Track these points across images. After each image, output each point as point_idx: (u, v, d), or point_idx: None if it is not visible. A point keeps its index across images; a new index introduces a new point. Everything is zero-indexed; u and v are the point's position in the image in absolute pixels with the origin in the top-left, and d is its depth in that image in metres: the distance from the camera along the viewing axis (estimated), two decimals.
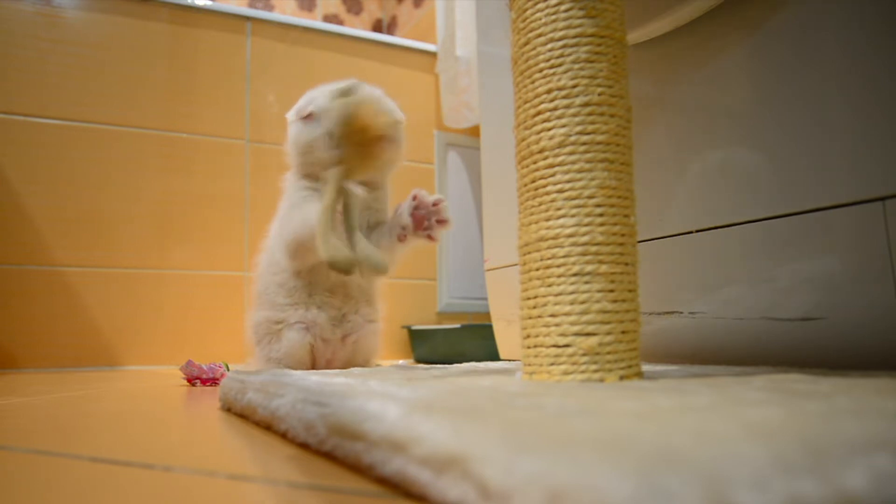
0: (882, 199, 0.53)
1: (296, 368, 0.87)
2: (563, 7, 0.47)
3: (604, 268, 0.45)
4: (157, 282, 1.54)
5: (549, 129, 0.47)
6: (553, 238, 0.46)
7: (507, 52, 0.55)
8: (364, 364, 0.93)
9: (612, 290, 0.45)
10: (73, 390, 0.84)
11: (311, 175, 0.88)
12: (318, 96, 0.86)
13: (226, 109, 1.65)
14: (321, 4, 2.62)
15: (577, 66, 0.46)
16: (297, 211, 0.85)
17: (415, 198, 0.82)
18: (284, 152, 0.93)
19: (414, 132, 1.87)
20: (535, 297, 0.47)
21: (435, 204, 0.82)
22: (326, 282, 0.89)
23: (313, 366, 0.90)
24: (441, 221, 0.82)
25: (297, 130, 0.88)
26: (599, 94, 0.46)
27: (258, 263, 0.96)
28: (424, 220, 0.82)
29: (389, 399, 0.32)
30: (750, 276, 0.63)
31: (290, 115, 0.90)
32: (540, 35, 0.48)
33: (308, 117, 0.86)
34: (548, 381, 0.45)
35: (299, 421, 0.37)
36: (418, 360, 1.60)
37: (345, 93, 0.70)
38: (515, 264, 0.59)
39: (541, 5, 0.48)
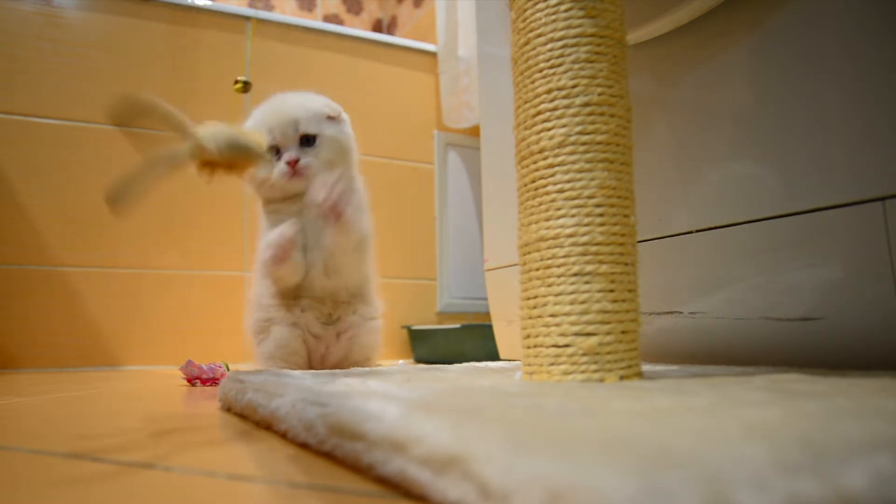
0: (882, 199, 0.53)
1: (290, 362, 0.88)
2: (563, 7, 0.47)
3: (604, 268, 0.45)
4: (157, 282, 1.54)
5: (549, 129, 0.47)
6: (553, 238, 0.46)
7: (507, 52, 0.55)
8: (364, 362, 0.93)
9: (612, 290, 0.45)
10: (73, 390, 0.84)
11: (269, 200, 0.92)
12: (256, 117, 0.90)
13: (226, 110, 1.65)
14: (321, 4, 2.61)
15: (577, 66, 0.46)
16: (263, 239, 0.89)
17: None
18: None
19: (414, 132, 1.87)
20: (535, 297, 0.47)
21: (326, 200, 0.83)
22: (312, 291, 0.90)
23: (309, 361, 0.90)
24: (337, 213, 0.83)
25: None
26: (599, 94, 0.46)
27: (254, 271, 0.98)
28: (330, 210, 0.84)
29: (389, 399, 0.32)
30: (750, 276, 0.63)
31: None
32: (540, 35, 0.48)
33: None
34: (548, 381, 0.45)
35: (299, 421, 0.37)
36: (418, 360, 1.60)
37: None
38: (515, 264, 0.59)
39: (541, 5, 0.48)
